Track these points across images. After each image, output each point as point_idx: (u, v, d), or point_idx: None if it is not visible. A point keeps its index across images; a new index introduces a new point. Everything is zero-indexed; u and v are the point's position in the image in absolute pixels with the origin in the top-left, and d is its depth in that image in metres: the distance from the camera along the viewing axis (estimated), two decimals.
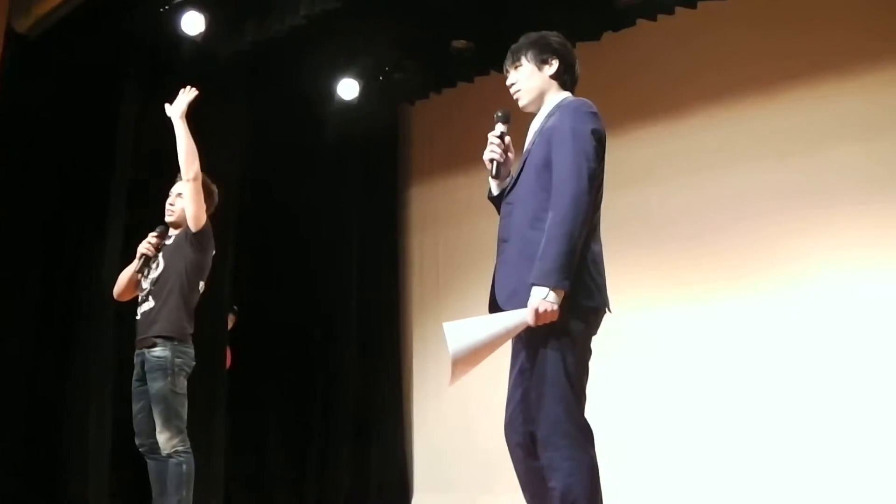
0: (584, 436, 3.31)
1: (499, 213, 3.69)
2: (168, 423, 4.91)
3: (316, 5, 6.79)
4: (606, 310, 3.46)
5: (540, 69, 3.66)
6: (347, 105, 8.60)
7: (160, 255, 5.20)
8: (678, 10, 6.91)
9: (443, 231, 9.13)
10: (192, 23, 7.26)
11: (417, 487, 8.96)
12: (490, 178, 3.73)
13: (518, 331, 3.29)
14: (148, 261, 5.25)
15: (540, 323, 3.22)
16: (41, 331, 7.21)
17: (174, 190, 5.36)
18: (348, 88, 8.46)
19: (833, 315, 6.48)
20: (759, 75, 6.89)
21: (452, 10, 7.45)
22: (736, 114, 7.00)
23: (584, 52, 7.15)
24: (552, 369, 3.30)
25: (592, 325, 3.43)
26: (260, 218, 8.51)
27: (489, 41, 7.63)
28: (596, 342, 3.44)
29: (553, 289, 3.20)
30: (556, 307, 3.21)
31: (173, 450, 4.90)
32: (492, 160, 3.67)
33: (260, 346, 8.20)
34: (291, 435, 8.54)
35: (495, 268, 3.58)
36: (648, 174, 7.43)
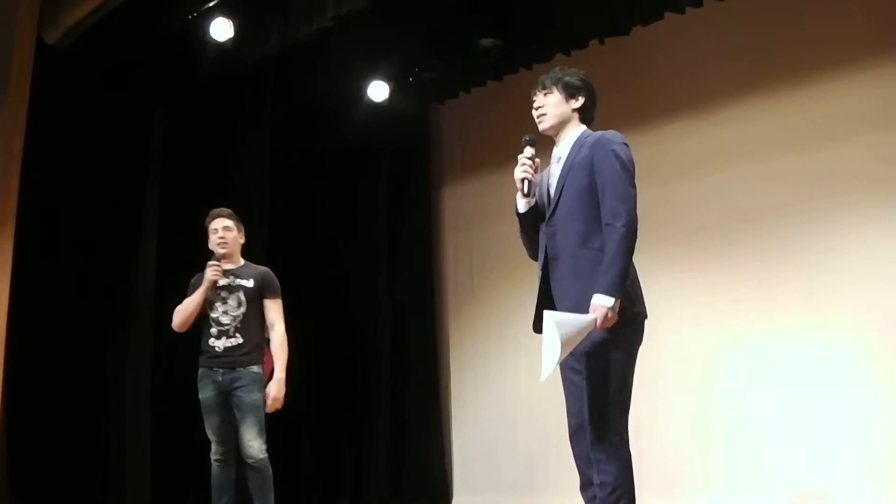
0: (627, 436, 3.73)
1: (522, 228, 4.12)
2: (261, 432, 5.50)
3: (343, 6, 6.79)
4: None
5: (567, 101, 4.05)
6: (377, 106, 8.59)
7: (241, 293, 5.64)
8: (706, 2, 6.86)
9: (477, 230, 9.09)
10: (221, 29, 7.27)
11: (458, 489, 8.93)
12: (519, 195, 4.07)
13: (586, 333, 3.62)
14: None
15: (603, 327, 3.63)
16: (76, 342, 7.25)
17: (220, 224, 5.74)
18: (378, 90, 8.45)
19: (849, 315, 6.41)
20: (787, 65, 6.82)
21: (480, 9, 7.43)
22: (768, 104, 6.93)
23: (612, 45, 7.26)
24: (615, 376, 3.74)
25: (641, 330, 3.87)
26: (291, 222, 8.51)
27: (517, 39, 7.61)
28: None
29: (616, 298, 3.63)
30: (616, 314, 3.64)
31: (264, 455, 5.47)
32: (524, 179, 4.02)
33: (295, 350, 8.21)
34: (327, 438, 8.56)
35: (546, 283, 3.97)
36: (678, 167, 7.41)
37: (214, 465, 5.54)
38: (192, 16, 7.35)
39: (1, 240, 6.73)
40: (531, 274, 8.68)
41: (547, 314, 3.60)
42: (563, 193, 3.93)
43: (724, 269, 7.00)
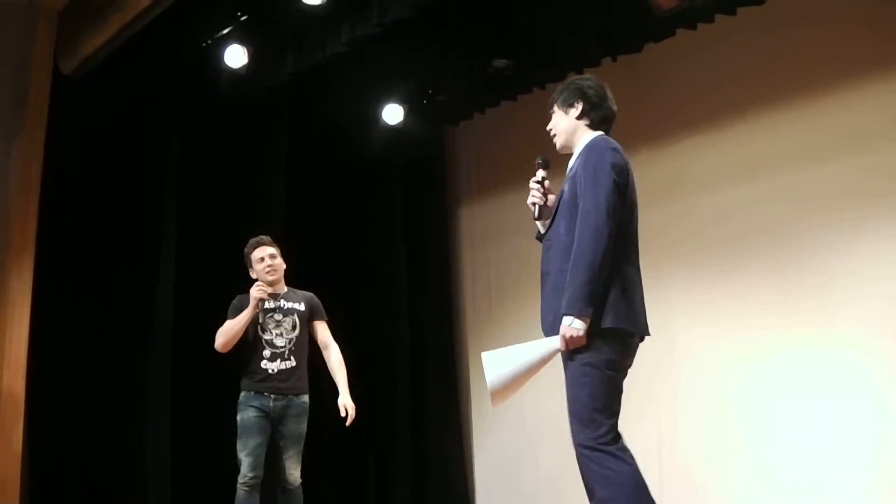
0: (614, 453, 3.56)
1: None
2: (300, 458, 5.67)
3: (356, 31, 6.83)
4: (639, 337, 3.79)
5: (567, 113, 4.01)
6: (393, 129, 8.63)
7: (295, 316, 5.75)
8: (717, 17, 6.86)
9: (494, 249, 9.11)
10: (235, 56, 7.31)
11: (479, 502, 8.94)
12: (534, 219, 4.08)
13: (552, 357, 3.59)
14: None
15: (570, 348, 3.56)
16: (97, 362, 7.31)
17: (265, 253, 5.80)
18: (393, 113, 8.48)
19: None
20: (801, 79, 6.82)
21: (492, 30, 7.46)
22: (783, 117, 6.92)
23: (624, 63, 7.27)
24: (580, 390, 3.61)
25: (623, 348, 3.70)
26: (309, 246, 8.55)
27: (530, 59, 7.63)
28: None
29: (578, 316, 3.53)
30: (581, 333, 3.53)
31: (300, 482, 5.63)
32: (533, 204, 4.04)
33: (315, 367, 8.24)
34: (349, 455, 8.55)
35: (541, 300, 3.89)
36: (687, 183, 7.41)
37: (241, 489, 5.44)
38: (207, 43, 7.40)
39: (21, 264, 6.82)
40: None
41: (483, 356, 3.63)
42: (559, 206, 3.90)
43: (741, 283, 6.97)
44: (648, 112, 7.44)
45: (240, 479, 5.46)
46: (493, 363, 3.57)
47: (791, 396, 6.64)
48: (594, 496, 3.58)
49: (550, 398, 7.84)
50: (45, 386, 6.93)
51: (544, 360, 3.59)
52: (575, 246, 3.60)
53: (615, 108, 4.07)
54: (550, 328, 3.72)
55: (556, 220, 3.88)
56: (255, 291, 5.60)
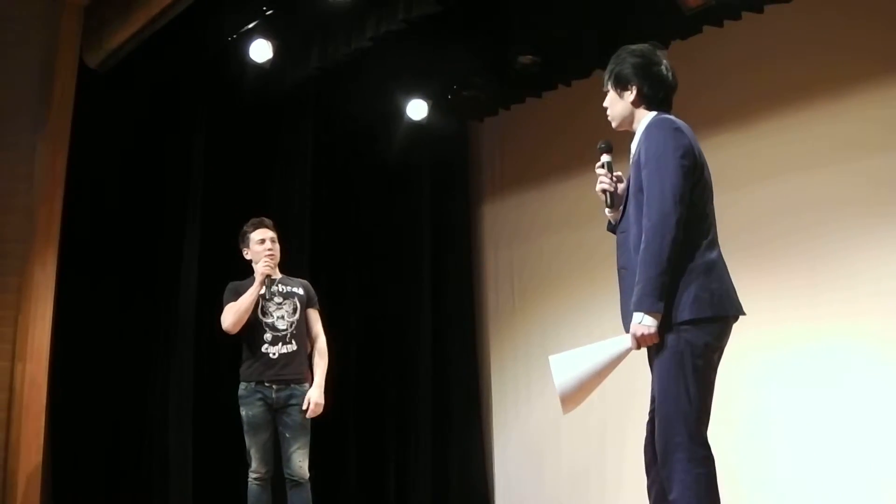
0: (703, 452, 3.37)
1: None
2: (307, 451, 5.52)
3: (381, 27, 6.83)
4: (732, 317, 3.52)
5: (621, 96, 3.75)
6: (416, 125, 8.62)
7: (296, 300, 5.67)
8: (745, 14, 6.81)
9: (517, 246, 9.06)
10: (260, 50, 7.30)
11: (499, 500, 8.91)
12: (605, 209, 3.83)
13: (624, 357, 3.42)
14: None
15: (642, 346, 3.39)
16: (119, 358, 7.34)
17: (267, 235, 5.71)
18: (417, 109, 8.46)
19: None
20: (828, 74, 6.75)
21: (517, 26, 7.43)
22: (809, 114, 6.86)
23: None
24: (671, 387, 3.38)
25: (714, 335, 3.44)
26: (332, 240, 8.57)
27: (555, 55, 7.60)
28: None
29: (648, 312, 3.33)
30: (653, 330, 3.33)
31: (307, 475, 5.48)
32: (603, 191, 3.79)
33: (338, 365, 8.23)
34: (370, 453, 8.57)
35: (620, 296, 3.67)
36: (718, 179, 7.33)
37: (253, 484, 5.44)
38: (232, 38, 7.40)
39: (45, 257, 6.85)
40: (572, 288, 8.72)
41: (551, 360, 3.45)
42: (628, 195, 3.66)
43: (769, 279, 6.89)
44: (675, 109, 7.38)
45: (251, 474, 5.46)
46: (561, 367, 3.40)
47: (816, 388, 6.60)
48: (677, 498, 3.37)
49: None
50: (68, 378, 6.96)
51: (615, 361, 3.43)
52: (642, 243, 3.39)
53: (673, 78, 3.82)
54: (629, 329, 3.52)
55: (625, 210, 3.66)
56: (263, 267, 5.56)
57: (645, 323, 3.33)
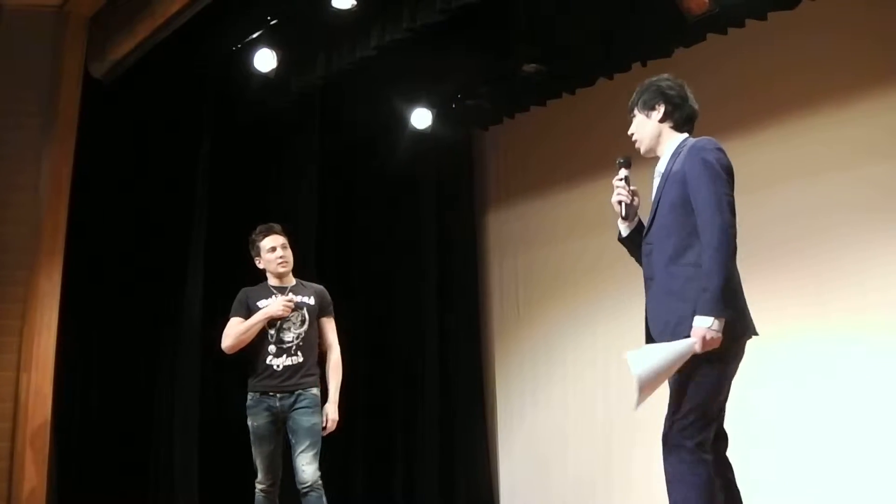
0: (706, 453, 3.57)
1: (631, 254, 4.05)
2: (317, 456, 5.33)
3: (386, 35, 6.83)
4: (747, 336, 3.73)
5: (649, 116, 3.96)
6: (421, 134, 8.62)
7: (305, 311, 5.55)
8: (748, 22, 6.81)
9: (522, 255, 9.07)
10: (264, 60, 7.31)
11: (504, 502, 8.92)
12: (619, 220, 4.02)
13: (686, 358, 3.52)
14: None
15: (706, 349, 3.49)
16: (125, 365, 7.35)
17: (278, 242, 5.62)
18: (421, 118, 8.47)
19: None
20: (834, 82, 6.74)
21: (522, 34, 7.44)
22: (813, 122, 6.85)
23: (654, 68, 7.22)
24: (700, 391, 3.58)
25: (742, 349, 3.71)
26: (338, 249, 8.57)
27: (560, 63, 7.60)
28: None
29: (716, 317, 3.48)
30: (720, 335, 3.49)
31: (319, 479, 5.28)
32: (620, 202, 3.98)
33: (345, 374, 8.25)
34: (377, 459, 8.59)
35: (646, 305, 3.84)
36: None
37: (259, 494, 5.40)
38: (236, 48, 7.42)
39: (51, 267, 6.85)
40: (577, 297, 8.71)
41: (629, 355, 3.54)
42: (658, 209, 3.82)
43: (779, 283, 6.87)
44: None
45: (257, 485, 5.42)
46: (638, 361, 3.51)
47: (826, 391, 6.59)
48: (676, 498, 3.56)
49: (575, 408, 7.91)
50: (73, 388, 6.97)
51: (680, 361, 3.53)
52: (706, 248, 3.57)
53: (697, 106, 4.04)
54: (661, 333, 3.69)
55: (654, 223, 3.83)
56: (280, 308, 5.43)
57: (713, 328, 3.48)
